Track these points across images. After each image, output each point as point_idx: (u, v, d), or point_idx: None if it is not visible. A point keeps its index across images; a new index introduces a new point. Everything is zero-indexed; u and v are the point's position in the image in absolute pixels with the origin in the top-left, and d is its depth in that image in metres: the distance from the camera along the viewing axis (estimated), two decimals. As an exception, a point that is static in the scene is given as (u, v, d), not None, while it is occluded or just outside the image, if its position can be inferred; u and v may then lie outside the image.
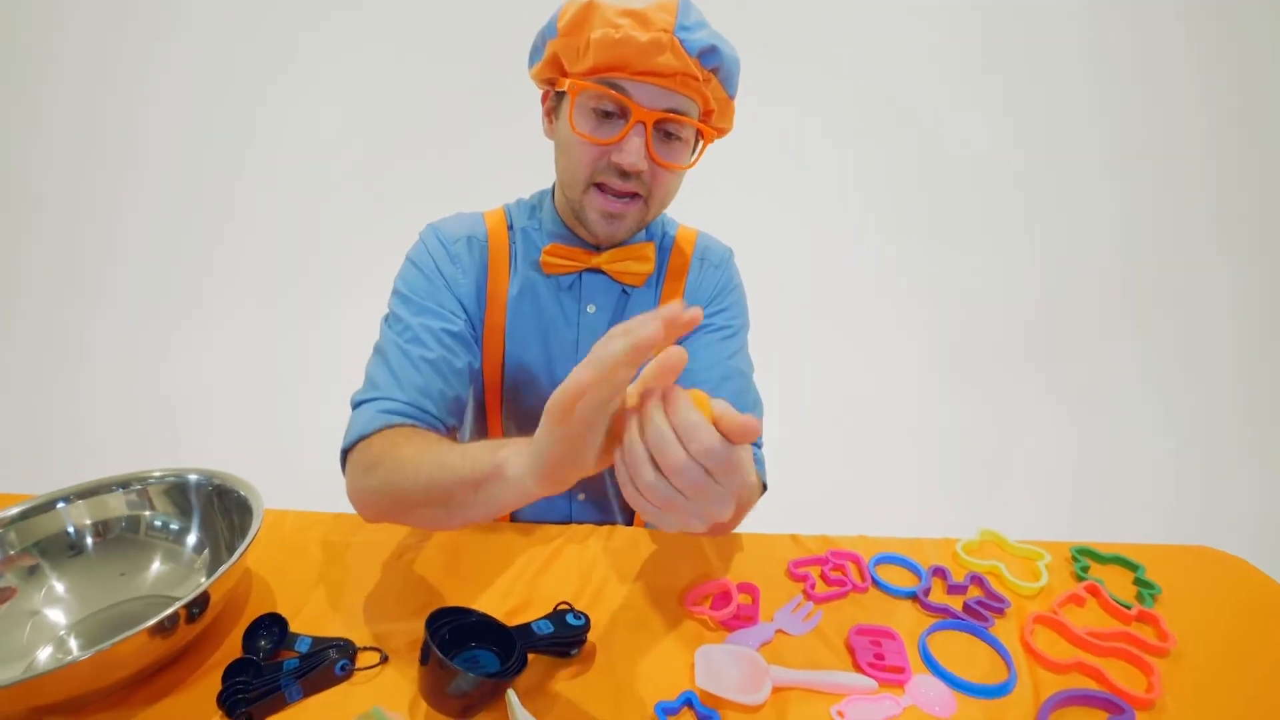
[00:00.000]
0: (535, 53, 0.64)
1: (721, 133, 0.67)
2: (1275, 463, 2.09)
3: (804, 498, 1.23)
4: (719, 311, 0.75)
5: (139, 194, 2.43)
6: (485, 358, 0.73)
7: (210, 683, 0.50)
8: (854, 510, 1.34)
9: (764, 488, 0.69)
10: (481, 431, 0.79)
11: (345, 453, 0.60)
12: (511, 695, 0.46)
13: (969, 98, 2.46)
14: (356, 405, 0.63)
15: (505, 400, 0.76)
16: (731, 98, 0.64)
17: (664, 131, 0.61)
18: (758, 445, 0.71)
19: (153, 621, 0.44)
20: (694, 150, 0.66)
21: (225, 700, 0.48)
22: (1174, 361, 2.40)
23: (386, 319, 0.68)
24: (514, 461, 0.41)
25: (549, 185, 0.74)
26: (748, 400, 0.72)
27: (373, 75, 2.38)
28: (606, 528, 0.74)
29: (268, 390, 2.14)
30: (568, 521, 0.79)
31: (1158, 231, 2.48)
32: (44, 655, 0.52)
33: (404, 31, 2.35)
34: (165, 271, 2.42)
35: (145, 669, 0.48)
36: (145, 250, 2.43)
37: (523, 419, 0.77)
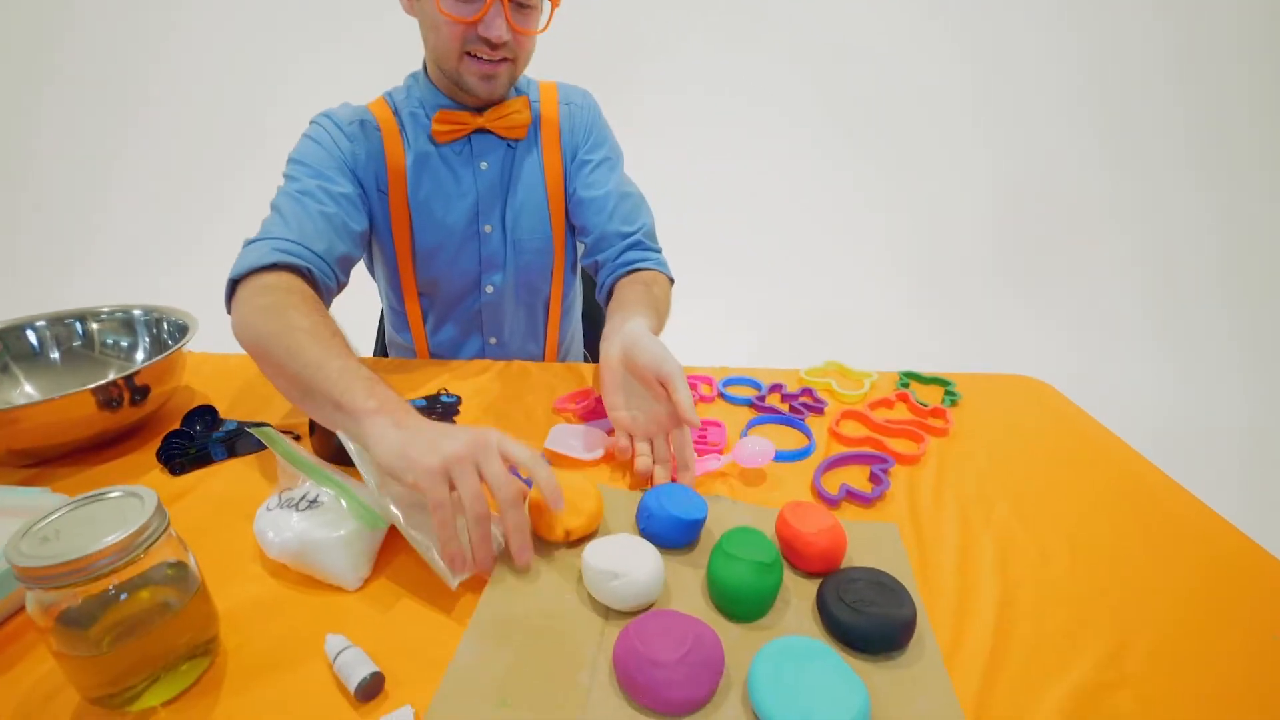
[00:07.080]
0: None
1: None
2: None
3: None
4: (597, 146, 0.87)
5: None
6: (395, 231, 0.83)
7: (153, 449, 0.62)
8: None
9: (670, 280, 0.85)
10: (398, 297, 0.90)
11: (234, 283, 0.63)
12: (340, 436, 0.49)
13: (925, 15, 2.50)
14: (248, 244, 0.66)
15: (418, 268, 0.86)
16: None
17: (517, 3, 0.71)
18: (657, 250, 0.86)
19: (97, 384, 0.57)
20: (546, 16, 0.75)
21: (163, 456, 0.60)
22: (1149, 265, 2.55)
23: (281, 186, 0.73)
24: (378, 426, 0.46)
25: (415, 69, 0.83)
26: (642, 211, 0.87)
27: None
28: (519, 363, 0.86)
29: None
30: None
31: (1118, 143, 2.57)
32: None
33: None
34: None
35: (99, 435, 0.61)
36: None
37: (430, 285, 0.88)
